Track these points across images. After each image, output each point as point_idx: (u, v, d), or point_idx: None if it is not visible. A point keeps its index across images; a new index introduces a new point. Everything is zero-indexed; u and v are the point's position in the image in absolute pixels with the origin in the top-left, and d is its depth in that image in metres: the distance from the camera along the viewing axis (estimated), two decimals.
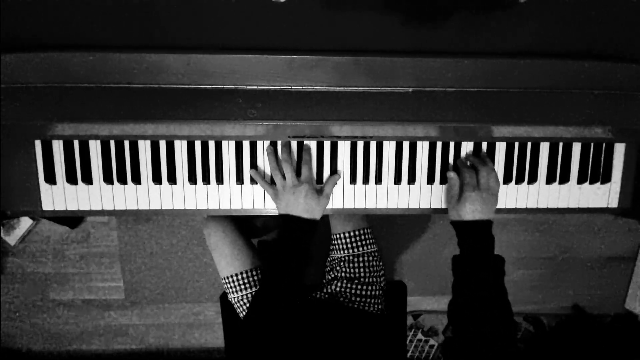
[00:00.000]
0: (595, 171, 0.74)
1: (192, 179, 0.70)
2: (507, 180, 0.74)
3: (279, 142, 0.70)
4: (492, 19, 0.54)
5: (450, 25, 0.54)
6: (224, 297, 0.94)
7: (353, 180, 0.72)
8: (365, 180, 0.72)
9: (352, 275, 0.85)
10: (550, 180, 0.74)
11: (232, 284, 0.84)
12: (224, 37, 0.53)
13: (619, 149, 0.74)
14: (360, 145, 0.71)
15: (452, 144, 0.72)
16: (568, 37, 0.56)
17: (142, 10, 0.52)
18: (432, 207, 0.73)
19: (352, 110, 0.57)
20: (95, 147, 0.68)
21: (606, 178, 0.74)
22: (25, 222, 1.43)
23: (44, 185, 0.68)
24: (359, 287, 0.83)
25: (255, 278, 0.84)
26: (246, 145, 0.70)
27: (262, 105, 0.56)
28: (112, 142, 0.68)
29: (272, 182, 0.70)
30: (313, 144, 0.71)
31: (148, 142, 0.69)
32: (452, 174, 0.69)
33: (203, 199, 0.71)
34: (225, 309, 0.94)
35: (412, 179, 0.72)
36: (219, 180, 0.70)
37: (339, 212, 0.74)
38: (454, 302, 0.61)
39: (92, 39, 0.52)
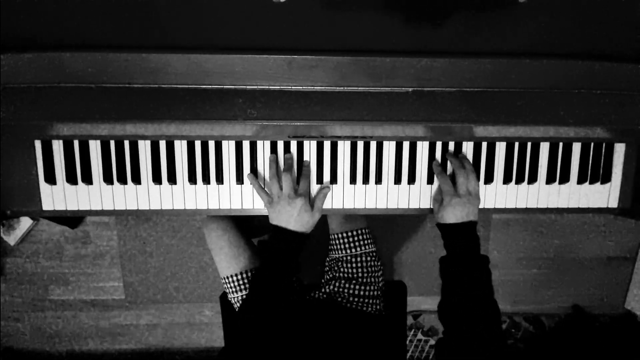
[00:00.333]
0: (595, 171, 0.74)
1: (192, 179, 0.70)
2: (507, 180, 0.73)
3: (281, 154, 0.70)
4: (492, 19, 0.54)
5: (450, 25, 0.54)
6: (224, 297, 0.94)
7: (353, 180, 0.72)
8: (365, 180, 0.72)
9: (350, 275, 0.85)
10: (550, 180, 0.74)
11: (231, 284, 0.84)
12: (224, 37, 0.53)
13: (619, 149, 0.74)
14: (360, 145, 0.71)
15: (452, 144, 0.72)
16: (568, 37, 0.56)
17: (142, 10, 0.52)
18: (432, 207, 0.73)
19: (352, 110, 0.57)
20: (95, 147, 0.68)
21: (606, 178, 0.74)
22: (25, 222, 1.43)
23: (44, 185, 0.68)
24: (357, 287, 0.83)
25: None
26: (246, 145, 0.70)
27: (262, 105, 0.56)
28: (112, 142, 0.68)
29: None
30: (313, 144, 0.71)
31: (148, 142, 0.69)
32: (438, 175, 0.70)
33: (203, 199, 0.71)
34: (225, 309, 0.94)
35: (412, 179, 0.72)
36: (219, 180, 0.70)
37: (339, 212, 0.74)
38: (445, 303, 0.62)
39: (92, 39, 0.52)
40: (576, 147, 0.73)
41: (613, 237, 1.57)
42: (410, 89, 0.56)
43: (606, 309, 1.63)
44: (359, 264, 0.84)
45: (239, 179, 0.71)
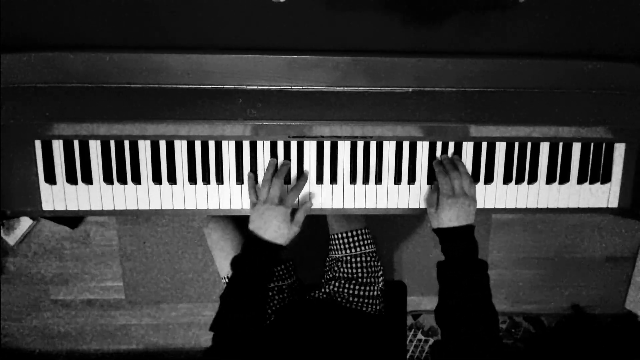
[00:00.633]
0: (595, 171, 0.74)
1: (192, 179, 0.70)
2: (507, 180, 0.74)
3: (281, 154, 0.70)
4: (492, 19, 0.54)
5: (450, 25, 0.54)
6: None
7: (353, 180, 0.72)
8: (365, 180, 0.72)
9: (350, 275, 0.85)
10: (550, 180, 0.74)
11: None
12: (224, 37, 0.53)
13: (619, 149, 0.74)
14: (360, 145, 0.71)
15: (452, 144, 0.72)
16: (568, 37, 0.56)
17: (142, 10, 0.52)
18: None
19: (352, 110, 0.57)
20: (95, 147, 0.68)
21: (606, 178, 0.74)
22: (25, 222, 1.43)
23: (44, 185, 0.68)
24: (357, 287, 0.83)
25: None
26: (246, 145, 0.70)
27: (262, 105, 0.56)
28: (112, 142, 0.68)
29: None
30: (313, 144, 0.71)
31: (148, 142, 0.69)
32: (430, 181, 0.70)
33: (203, 199, 0.71)
34: None
35: (412, 179, 0.72)
36: (219, 180, 0.70)
37: (339, 212, 0.74)
38: (443, 306, 0.61)
39: (92, 39, 0.52)
40: (576, 147, 0.73)
41: (613, 237, 1.57)
42: (410, 89, 0.56)
43: (606, 309, 1.63)
44: (359, 264, 0.84)
45: (239, 179, 0.71)
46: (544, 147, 0.73)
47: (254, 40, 0.53)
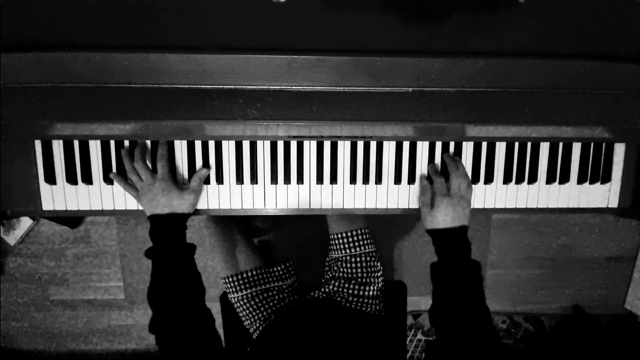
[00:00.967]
0: (595, 171, 0.74)
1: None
2: (507, 180, 0.73)
3: (281, 154, 0.70)
4: (491, 19, 0.54)
5: (450, 25, 0.54)
6: (224, 297, 0.94)
7: (353, 180, 0.72)
8: (365, 180, 0.72)
9: (350, 275, 0.85)
10: (550, 180, 0.74)
11: (232, 284, 0.84)
12: (224, 37, 0.53)
13: (619, 149, 0.74)
14: (360, 145, 0.71)
15: (452, 144, 0.72)
16: (568, 37, 0.56)
17: (142, 10, 0.52)
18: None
19: (352, 110, 0.57)
20: (95, 147, 0.68)
21: (606, 178, 0.74)
22: (25, 222, 1.43)
23: (44, 185, 0.68)
24: (357, 287, 0.83)
25: (256, 278, 0.84)
26: (246, 145, 0.70)
27: (262, 105, 0.56)
28: (112, 142, 0.68)
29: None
30: (313, 144, 0.71)
31: (148, 142, 0.69)
32: (424, 182, 0.69)
33: (203, 199, 0.71)
34: (225, 309, 0.94)
35: (412, 179, 0.72)
36: (219, 180, 0.70)
37: (339, 213, 0.74)
38: (437, 306, 0.61)
39: (92, 39, 0.52)
40: (576, 147, 0.73)
41: (613, 237, 1.57)
42: (410, 89, 0.56)
43: (606, 309, 1.63)
44: (359, 264, 0.84)
45: (239, 179, 0.71)
46: (544, 147, 0.73)
47: (254, 40, 0.53)
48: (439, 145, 0.72)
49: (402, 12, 0.53)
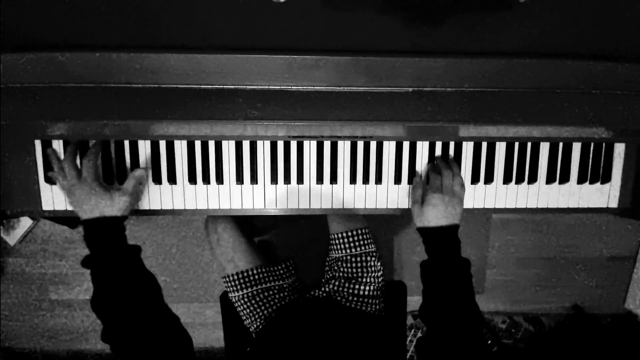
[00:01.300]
0: (595, 171, 0.74)
1: (192, 179, 0.70)
2: (507, 180, 0.74)
3: (281, 154, 0.70)
4: (492, 19, 0.54)
5: (450, 25, 0.54)
6: (224, 297, 0.94)
7: (353, 180, 0.72)
8: (365, 180, 0.72)
9: (349, 275, 0.85)
10: (550, 180, 0.74)
11: (232, 283, 0.84)
12: (224, 37, 0.53)
13: (619, 149, 0.74)
14: (360, 145, 0.71)
15: (452, 144, 0.72)
16: (568, 37, 0.56)
17: (142, 10, 0.52)
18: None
19: (352, 110, 0.57)
20: None
21: (606, 178, 0.74)
22: (25, 222, 1.43)
23: (44, 185, 0.68)
24: (357, 287, 0.83)
25: (256, 277, 0.84)
26: (246, 145, 0.70)
27: (262, 105, 0.56)
28: (112, 142, 0.68)
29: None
30: (313, 144, 0.71)
31: (148, 142, 0.69)
32: (417, 178, 0.70)
33: (203, 199, 0.71)
34: (225, 309, 0.94)
35: (412, 179, 0.72)
36: (219, 180, 0.70)
37: (339, 212, 0.74)
38: (428, 304, 0.62)
39: (92, 39, 0.52)
40: (576, 147, 0.73)
41: (613, 237, 1.57)
42: (410, 89, 0.56)
43: (606, 309, 1.63)
44: (359, 264, 0.84)
45: (239, 179, 0.71)
46: (544, 147, 0.73)
47: (254, 40, 0.53)
48: (439, 145, 0.72)
49: (402, 12, 0.53)
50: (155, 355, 0.53)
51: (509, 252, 1.54)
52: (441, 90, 0.57)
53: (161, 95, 0.55)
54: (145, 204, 0.70)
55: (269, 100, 0.56)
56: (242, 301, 0.84)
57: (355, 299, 0.83)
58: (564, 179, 0.74)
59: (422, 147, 0.72)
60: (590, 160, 0.74)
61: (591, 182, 0.74)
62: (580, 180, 0.74)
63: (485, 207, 0.74)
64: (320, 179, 0.72)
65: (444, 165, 0.68)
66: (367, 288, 0.84)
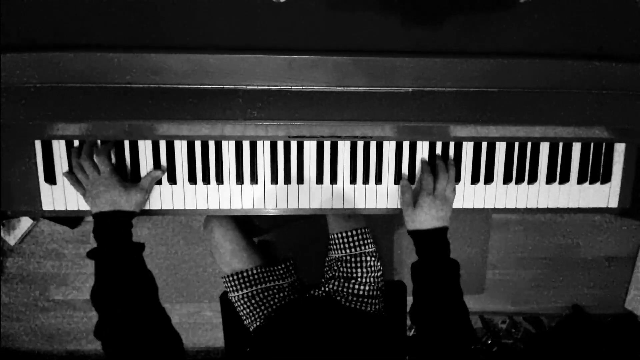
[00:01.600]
0: (595, 171, 0.74)
1: (192, 179, 0.70)
2: (507, 180, 0.74)
3: (281, 154, 0.70)
4: (492, 19, 0.54)
5: (450, 25, 0.54)
6: (224, 297, 0.94)
7: (353, 180, 0.72)
8: (365, 180, 0.72)
9: (349, 274, 0.85)
10: (550, 180, 0.74)
11: (232, 283, 0.84)
12: (224, 37, 0.53)
13: (619, 149, 0.74)
14: (360, 145, 0.71)
15: (452, 144, 0.72)
16: (568, 37, 0.56)
17: (141, 10, 0.52)
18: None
19: (352, 110, 0.57)
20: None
21: (606, 178, 0.74)
22: (25, 222, 1.43)
23: (44, 185, 0.68)
24: (356, 286, 0.83)
25: (256, 277, 0.84)
26: (246, 145, 0.70)
27: (262, 105, 0.56)
28: (112, 143, 0.68)
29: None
30: (313, 144, 0.71)
31: (148, 142, 0.69)
32: (404, 182, 0.71)
33: (203, 199, 0.71)
34: (225, 309, 0.94)
35: (412, 179, 0.72)
36: (219, 180, 0.70)
37: (339, 212, 0.74)
38: (418, 305, 0.63)
39: (92, 39, 0.52)
40: (576, 147, 0.73)
41: (613, 237, 1.56)
42: (410, 89, 0.56)
43: (606, 309, 1.63)
44: (359, 264, 0.84)
45: (239, 179, 0.71)
46: (544, 147, 0.73)
47: (254, 40, 0.53)
48: (439, 145, 0.72)
49: (401, 12, 0.53)
50: (145, 352, 0.54)
51: (509, 252, 1.54)
52: (441, 90, 0.57)
53: (161, 95, 0.55)
54: (145, 204, 0.70)
55: (269, 100, 0.56)
56: (241, 301, 0.84)
57: (355, 298, 0.83)
58: (564, 179, 0.74)
59: (422, 147, 0.72)
60: (590, 160, 0.74)
61: (591, 182, 0.74)
62: (580, 180, 0.74)
63: (486, 207, 0.74)
64: (320, 179, 0.72)
65: (442, 168, 0.69)
66: (367, 288, 0.84)
